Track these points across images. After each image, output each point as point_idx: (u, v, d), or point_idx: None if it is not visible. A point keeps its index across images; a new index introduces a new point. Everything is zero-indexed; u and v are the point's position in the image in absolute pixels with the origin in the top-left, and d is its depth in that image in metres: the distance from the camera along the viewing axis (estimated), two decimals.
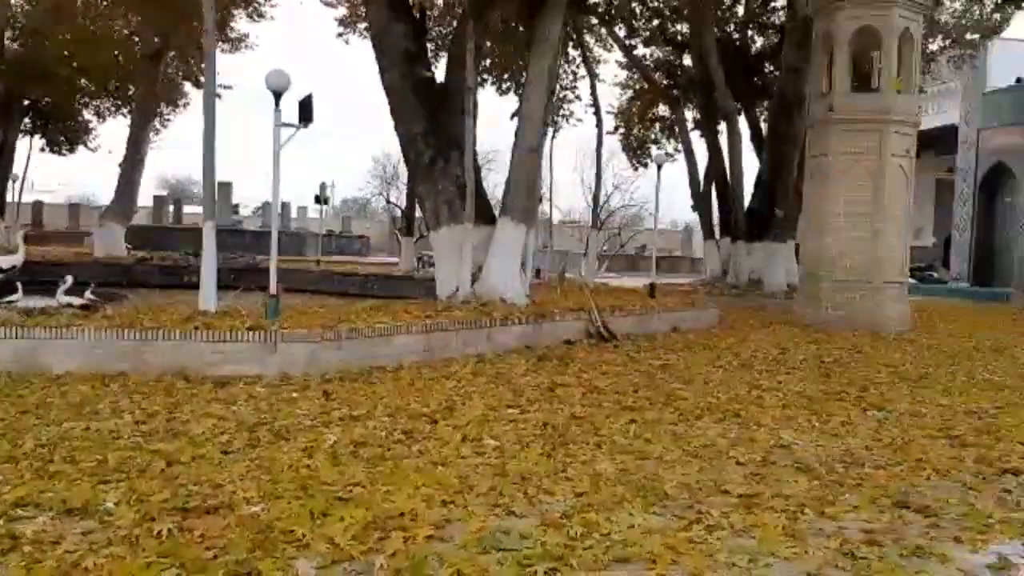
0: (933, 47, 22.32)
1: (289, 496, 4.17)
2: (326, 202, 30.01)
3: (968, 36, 22.36)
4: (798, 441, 5.87)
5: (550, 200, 30.56)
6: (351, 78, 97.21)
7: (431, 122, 11.74)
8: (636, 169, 31.11)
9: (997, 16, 21.54)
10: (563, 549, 3.61)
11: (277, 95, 9.02)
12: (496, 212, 12.34)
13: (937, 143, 29.33)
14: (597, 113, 23.57)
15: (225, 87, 22.07)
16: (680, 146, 25.80)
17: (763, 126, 23.31)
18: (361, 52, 53.48)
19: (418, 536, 3.70)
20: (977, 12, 21.75)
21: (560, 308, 11.23)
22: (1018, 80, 27.22)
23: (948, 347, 11.97)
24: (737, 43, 24.27)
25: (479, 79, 16.15)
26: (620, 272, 31.44)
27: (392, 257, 31.41)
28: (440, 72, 13.51)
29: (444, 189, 11.64)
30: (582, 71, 24.23)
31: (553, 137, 22.78)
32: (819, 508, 4.35)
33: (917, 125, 14.69)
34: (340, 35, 22.55)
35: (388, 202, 52.12)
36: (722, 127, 22.59)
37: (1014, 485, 4.98)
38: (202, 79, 17.26)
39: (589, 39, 23.73)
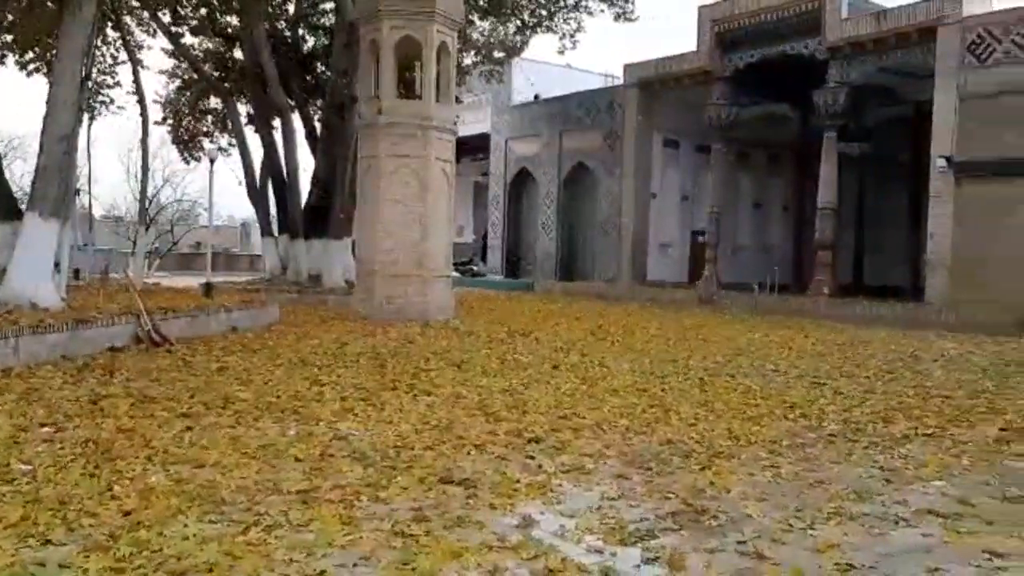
0: (467, 61, 24.65)
1: None
2: None
3: (495, 54, 25.12)
4: (355, 431, 6.14)
5: (89, 193, 27.95)
6: None
7: None
8: (188, 163, 29.81)
9: (518, 38, 24.50)
10: (110, 573, 3.37)
11: None
12: (23, 206, 11.11)
13: (474, 149, 32.55)
14: (141, 102, 22.11)
15: None
16: (234, 140, 25.19)
17: (318, 124, 23.74)
18: None
19: None
20: (502, 33, 24.54)
21: (104, 312, 10.40)
22: (536, 97, 31.27)
23: (486, 333, 13.35)
24: (289, 40, 24.36)
25: None
26: (173, 271, 29.82)
27: None
28: None
29: None
30: (123, 55, 22.48)
31: (90, 124, 20.86)
32: (373, 494, 4.60)
33: (456, 132, 16.08)
34: None
35: None
36: (277, 123, 22.53)
37: (536, 451, 5.75)
38: None
39: (130, 22, 22.07)
